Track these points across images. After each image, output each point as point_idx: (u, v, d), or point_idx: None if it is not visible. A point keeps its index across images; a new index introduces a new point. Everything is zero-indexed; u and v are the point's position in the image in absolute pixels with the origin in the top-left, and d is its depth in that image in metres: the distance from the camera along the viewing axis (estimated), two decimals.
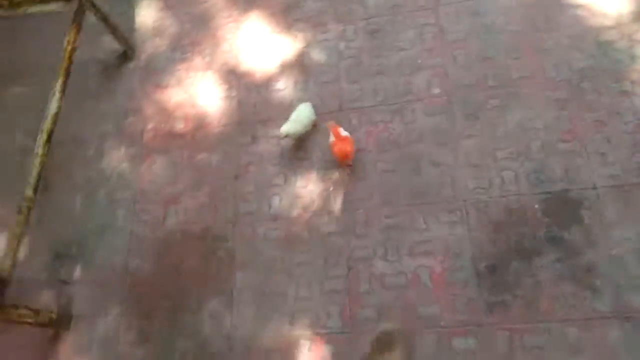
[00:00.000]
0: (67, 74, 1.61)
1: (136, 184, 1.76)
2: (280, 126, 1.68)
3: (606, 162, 1.45)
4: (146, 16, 2.04)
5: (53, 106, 1.54)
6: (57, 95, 1.56)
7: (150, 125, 1.84)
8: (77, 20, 1.64)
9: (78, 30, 1.65)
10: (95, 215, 1.75)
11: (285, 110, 1.72)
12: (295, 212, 1.60)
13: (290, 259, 1.55)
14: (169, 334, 1.55)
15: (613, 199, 1.41)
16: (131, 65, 1.96)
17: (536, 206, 1.45)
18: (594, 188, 1.43)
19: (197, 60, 1.90)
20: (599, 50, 1.58)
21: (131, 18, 2.04)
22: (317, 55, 1.80)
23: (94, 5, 1.68)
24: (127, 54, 1.96)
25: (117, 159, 1.82)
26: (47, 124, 1.51)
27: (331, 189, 1.61)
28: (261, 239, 1.60)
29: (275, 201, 1.63)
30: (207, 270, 1.60)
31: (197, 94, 1.85)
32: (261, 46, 1.87)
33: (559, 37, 1.63)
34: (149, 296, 1.61)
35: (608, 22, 1.61)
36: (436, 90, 1.65)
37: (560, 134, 1.51)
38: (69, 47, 1.61)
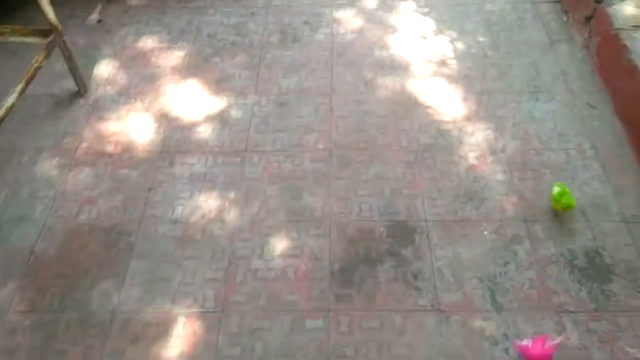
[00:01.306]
0: (27, 83, 1.97)
1: (59, 187, 2.03)
2: (195, 157, 2.10)
3: (435, 205, 1.94)
4: (103, 70, 2.50)
5: (10, 100, 1.88)
6: (16, 94, 1.91)
7: (84, 144, 2.17)
8: (48, 49, 2.07)
9: (46, 56, 2.06)
10: (15, 208, 1.97)
11: (201, 146, 2.16)
12: (193, 219, 1.92)
13: (181, 253, 1.83)
14: (58, 307, 1.70)
15: (437, 229, 1.87)
16: (81, 101, 2.35)
17: (382, 229, 1.88)
18: (425, 221, 1.89)
19: (138, 104, 2.33)
20: (439, 135, 2.18)
21: (90, 69, 2.49)
22: (235, 113, 2.29)
23: (64, 42, 2.14)
24: (79, 93, 2.36)
25: (48, 166, 2.10)
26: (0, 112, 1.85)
27: (227, 204, 1.97)
28: (160, 237, 1.88)
29: (179, 209, 1.95)
30: (106, 257, 1.82)
31: (132, 127, 2.24)
32: (192, 102, 2.34)
33: (413, 123, 2.23)
34: (46, 275, 1.78)
35: (446, 119, 2.24)
36: (321, 146, 2.15)
37: (405, 184, 2.01)
38: (35, 64, 2.00)
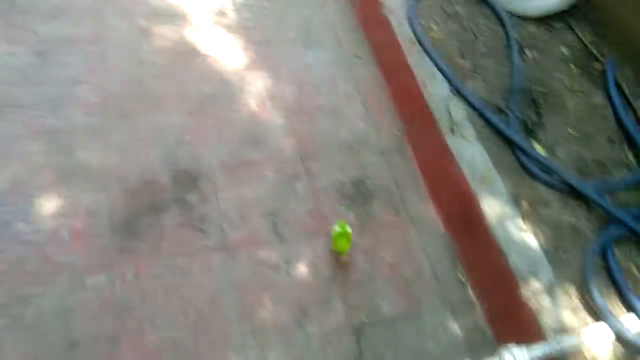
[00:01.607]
0: None
1: None
2: None
3: (219, 151, 1.98)
4: None
5: None
6: None
7: None
8: None
9: None
10: None
11: None
12: None
13: None
14: None
15: (222, 173, 1.91)
16: None
17: (166, 179, 1.84)
18: (210, 166, 1.92)
19: None
20: (221, 84, 2.20)
21: None
22: None
23: None
24: None
25: None
26: None
27: None
28: None
29: None
30: None
31: None
32: None
33: (193, 73, 2.20)
34: None
35: (228, 69, 2.27)
36: (93, 99, 1.98)
37: (189, 132, 2.00)
38: None
